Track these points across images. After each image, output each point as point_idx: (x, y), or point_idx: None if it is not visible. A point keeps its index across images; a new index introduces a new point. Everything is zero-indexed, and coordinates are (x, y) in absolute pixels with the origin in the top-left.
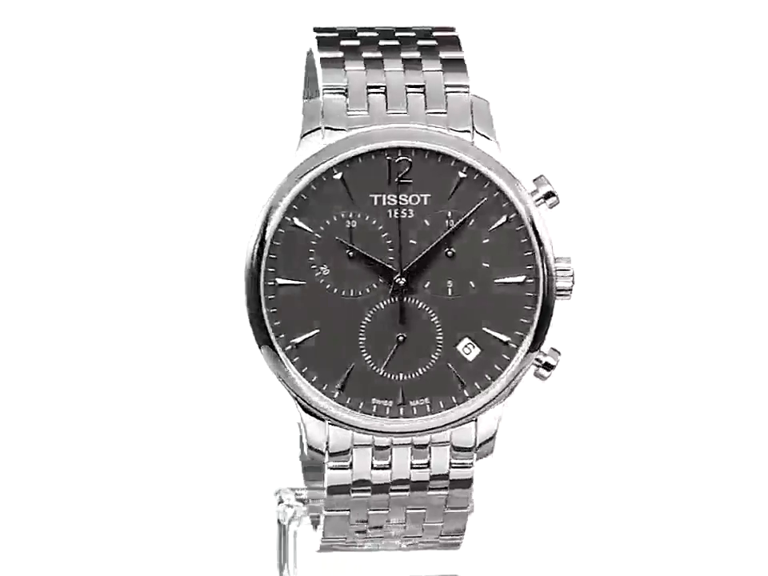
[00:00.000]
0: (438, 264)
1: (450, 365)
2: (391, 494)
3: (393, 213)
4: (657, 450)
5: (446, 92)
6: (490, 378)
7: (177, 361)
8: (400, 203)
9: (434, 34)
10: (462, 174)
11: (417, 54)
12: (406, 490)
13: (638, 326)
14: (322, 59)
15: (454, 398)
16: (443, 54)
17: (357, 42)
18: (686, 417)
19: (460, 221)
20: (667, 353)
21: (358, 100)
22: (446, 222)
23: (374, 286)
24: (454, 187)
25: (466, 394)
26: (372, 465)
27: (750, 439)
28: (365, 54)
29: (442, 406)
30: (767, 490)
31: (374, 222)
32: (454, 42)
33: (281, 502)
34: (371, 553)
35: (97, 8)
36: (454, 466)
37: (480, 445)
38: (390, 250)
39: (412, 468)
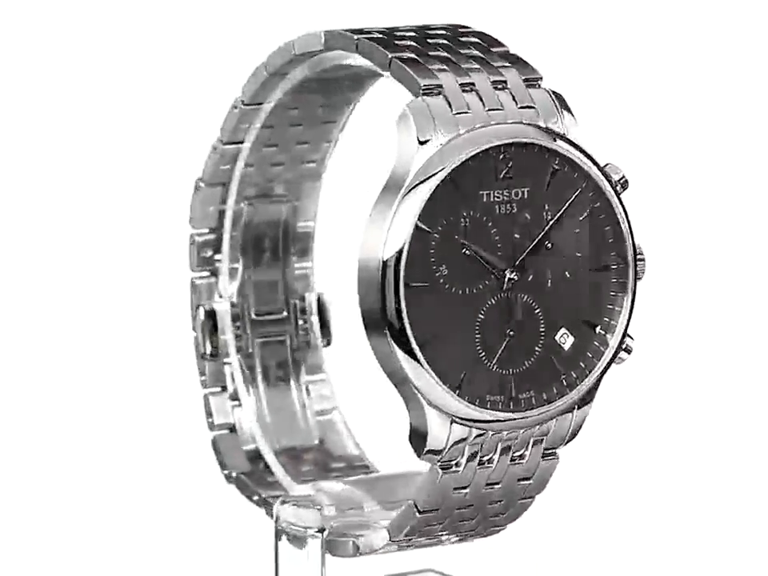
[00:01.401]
0: (540, 257)
1: (551, 356)
2: (485, 489)
3: (499, 209)
4: (667, 449)
5: (526, 86)
6: (584, 367)
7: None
8: (504, 198)
9: (461, 30)
10: (555, 166)
11: (477, 52)
12: (498, 483)
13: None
14: (400, 59)
15: (555, 389)
16: (496, 50)
17: (412, 43)
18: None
19: (558, 213)
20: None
21: (458, 100)
22: (545, 214)
23: (486, 282)
24: (549, 179)
25: (565, 385)
26: (479, 462)
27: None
28: (432, 53)
29: (545, 398)
30: None
31: (485, 218)
32: (493, 38)
33: None
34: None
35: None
36: (543, 457)
37: (572, 437)
38: (499, 245)
39: (510, 462)
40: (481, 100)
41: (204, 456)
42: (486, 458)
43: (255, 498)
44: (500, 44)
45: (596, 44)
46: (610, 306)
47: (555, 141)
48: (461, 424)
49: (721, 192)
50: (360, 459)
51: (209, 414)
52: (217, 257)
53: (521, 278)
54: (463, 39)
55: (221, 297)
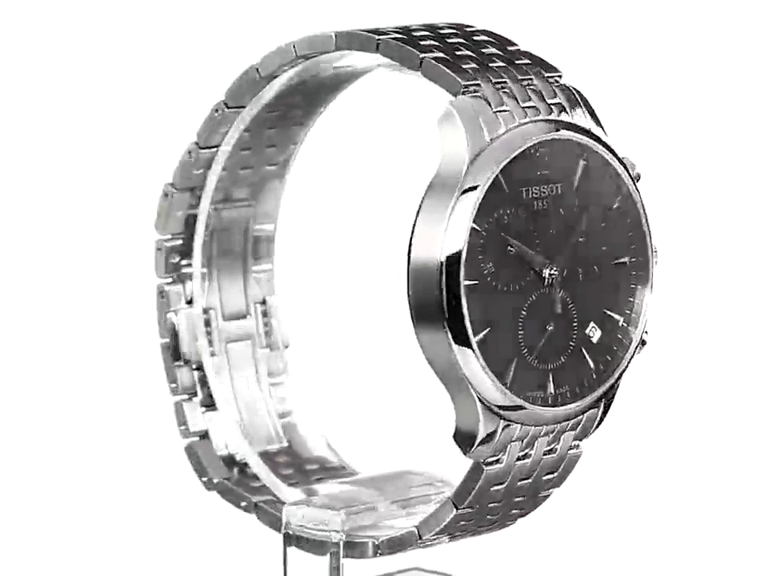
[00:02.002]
0: (573, 251)
1: (583, 350)
2: (517, 484)
3: (536, 205)
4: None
5: (549, 81)
6: (611, 360)
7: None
8: (541, 195)
9: (468, 29)
10: (584, 161)
11: (495, 50)
12: (528, 478)
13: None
14: (435, 59)
15: (587, 383)
16: (511, 48)
17: (434, 42)
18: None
19: (589, 207)
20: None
21: (496, 98)
22: (576, 209)
23: (528, 279)
24: (579, 174)
25: (595, 378)
26: (517, 458)
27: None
28: (459, 53)
29: (578, 392)
30: None
31: (525, 216)
32: (503, 36)
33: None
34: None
35: None
36: (570, 449)
37: (595, 429)
38: (538, 242)
39: (543, 455)
40: (514, 98)
41: (177, 465)
42: (523, 453)
43: (243, 503)
44: (511, 42)
45: (579, 40)
46: (631, 299)
47: (584, 136)
48: (508, 420)
49: (720, 186)
50: (332, 460)
51: (182, 422)
52: (185, 262)
53: (558, 274)
54: (477, 38)
55: (189, 302)
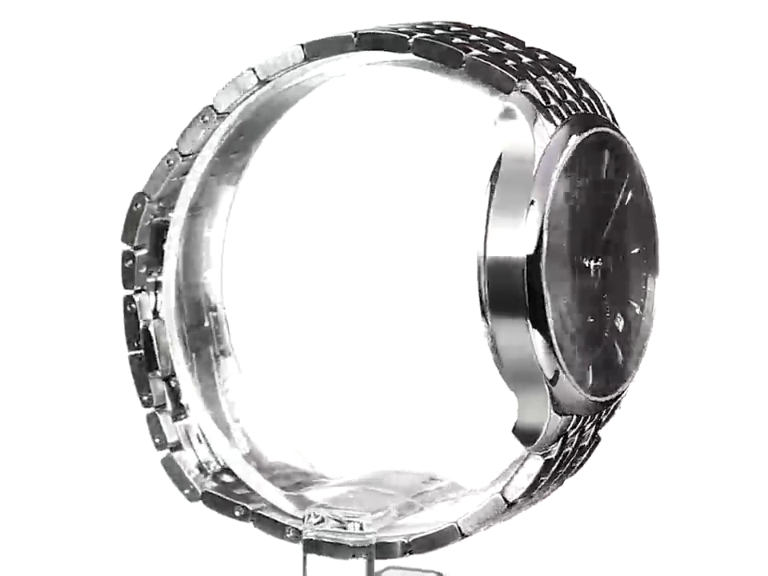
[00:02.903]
0: (606, 242)
1: (613, 341)
2: (557, 471)
3: (580, 197)
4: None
5: (570, 77)
6: (631, 346)
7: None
8: (584, 186)
9: (474, 27)
10: (612, 151)
11: (513, 47)
12: (564, 467)
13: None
14: (482, 58)
15: (617, 372)
16: (522, 44)
17: (460, 40)
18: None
19: (617, 198)
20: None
21: (543, 95)
22: (607, 200)
23: (578, 271)
24: (607, 165)
25: (621, 368)
26: (563, 450)
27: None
28: (491, 49)
29: (610, 382)
30: None
31: (576, 208)
32: (507, 34)
33: None
34: None
35: None
36: (593, 437)
37: (610, 418)
38: (584, 234)
39: (578, 444)
40: (554, 94)
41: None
42: (568, 444)
43: (238, 512)
44: (518, 39)
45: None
46: (644, 288)
47: (610, 128)
48: (565, 412)
49: (720, 185)
50: (295, 465)
51: (157, 433)
52: (153, 272)
53: (595, 266)
54: (489, 36)
55: (155, 313)
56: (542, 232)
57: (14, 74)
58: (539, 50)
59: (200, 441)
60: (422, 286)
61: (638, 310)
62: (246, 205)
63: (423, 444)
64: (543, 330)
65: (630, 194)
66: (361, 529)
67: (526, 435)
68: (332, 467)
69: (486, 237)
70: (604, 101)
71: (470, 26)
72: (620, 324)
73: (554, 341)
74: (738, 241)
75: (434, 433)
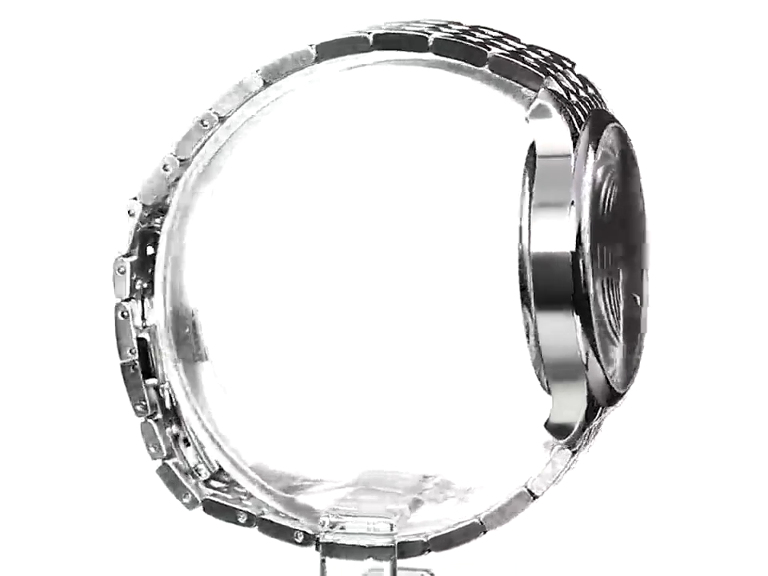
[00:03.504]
0: (617, 234)
1: (625, 332)
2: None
3: (600, 191)
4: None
5: (575, 73)
6: (637, 341)
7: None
8: (603, 181)
9: (473, 27)
10: (621, 145)
11: (521, 45)
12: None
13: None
14: (500, 53)
15: (632, 364)
16: (526, 43)
17: (481, 39)
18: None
19: (627, 190)
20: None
21: (566, 91)
22: (618, 193)
23: (604, 262)
24: (624, 159)
25: (629, 360)
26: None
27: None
28: (506, 47)
29: (626, 374)
30: None
31: (600, 201)
32: (505, 32)
33: None
34: None
35: None
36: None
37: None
38: (605, 225)
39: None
40: (573, 90)
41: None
42: (589, 437)
43: (242, 519)
44: (516, 38)
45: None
46: (641, 281)
47: (617, 123)
48: (597, 408)
49: (720, 186)
50: (287, 467)
51: (152, 443)
52: (142, 279)
53: (619, 260)
54: (492, 34)
55: (144, 320)
56: (580, 228)
57: (14, 74)
58: (539, 47)
59: (188, 444)
60: (421, 284)
61: (638, 300)
62: (245, 207)
63: (415, 444)
64: (587, 324)
65: (635, 188)
66: (391, 529)
67: (559, 429)
68: (323, 469)
69: (529, 234)
70: (603, 96)
71: (468, 24)
72: (633, 316)
73: (596, 335)
74: (737, 238)
75: (425, 433)
